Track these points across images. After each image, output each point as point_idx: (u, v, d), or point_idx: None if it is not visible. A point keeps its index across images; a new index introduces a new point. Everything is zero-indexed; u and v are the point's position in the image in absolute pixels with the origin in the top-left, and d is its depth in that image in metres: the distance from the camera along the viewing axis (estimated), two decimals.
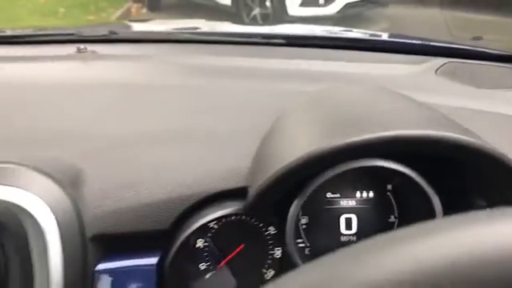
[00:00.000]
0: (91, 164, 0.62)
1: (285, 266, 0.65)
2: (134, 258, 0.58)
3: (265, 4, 4.65)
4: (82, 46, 0.95)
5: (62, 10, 5.01)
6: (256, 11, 4.67)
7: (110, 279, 0.56)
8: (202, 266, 0.63)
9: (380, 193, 0.66)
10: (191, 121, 0.73)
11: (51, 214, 0.53)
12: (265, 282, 0.65)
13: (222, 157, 0.64)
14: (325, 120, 0.63)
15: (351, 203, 0.66)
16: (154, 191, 0.59)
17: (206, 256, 0.63)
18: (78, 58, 0.92)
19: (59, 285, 0.53)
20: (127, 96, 0.79)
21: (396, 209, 0.66)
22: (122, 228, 0.57)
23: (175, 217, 0.59)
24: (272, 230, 0.64)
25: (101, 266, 0.56)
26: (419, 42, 1.12)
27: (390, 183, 0.66)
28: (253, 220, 0.63)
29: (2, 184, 0.53)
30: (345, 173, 0.58)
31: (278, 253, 0.65)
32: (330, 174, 0.57)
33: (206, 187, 0.60)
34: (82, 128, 0.70)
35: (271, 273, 0.65)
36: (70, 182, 0.58)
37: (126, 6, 5.56)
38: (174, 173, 0.61)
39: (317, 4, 4.45)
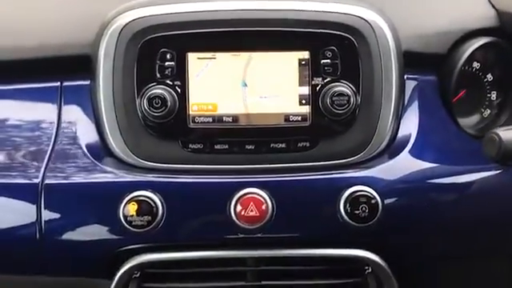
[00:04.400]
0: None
1: (499, 106, 0.84)
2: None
3: None
4: None
5: None
6: None
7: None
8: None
9: None
10: None
11: (387, 27, 0.77)
12: (484, 119, 0.83)
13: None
14: None
15: None
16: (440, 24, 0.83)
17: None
18: None
19: (396, 81, 0.76)
20: None
21: None
22: (412, 47, 0.81)
23: (451, 44, 0.81)
24: (489, 77, 0.82)
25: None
26: None
27: None
28: (474, 70, 0.83)
29: (357, 5, 0.78)
30: None
31: (493, 96, 0.83)
32: None
33: (466, 25, 0.83)
34: None
35: (488, 111, 0.83)
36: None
37: None
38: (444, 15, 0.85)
39: None
